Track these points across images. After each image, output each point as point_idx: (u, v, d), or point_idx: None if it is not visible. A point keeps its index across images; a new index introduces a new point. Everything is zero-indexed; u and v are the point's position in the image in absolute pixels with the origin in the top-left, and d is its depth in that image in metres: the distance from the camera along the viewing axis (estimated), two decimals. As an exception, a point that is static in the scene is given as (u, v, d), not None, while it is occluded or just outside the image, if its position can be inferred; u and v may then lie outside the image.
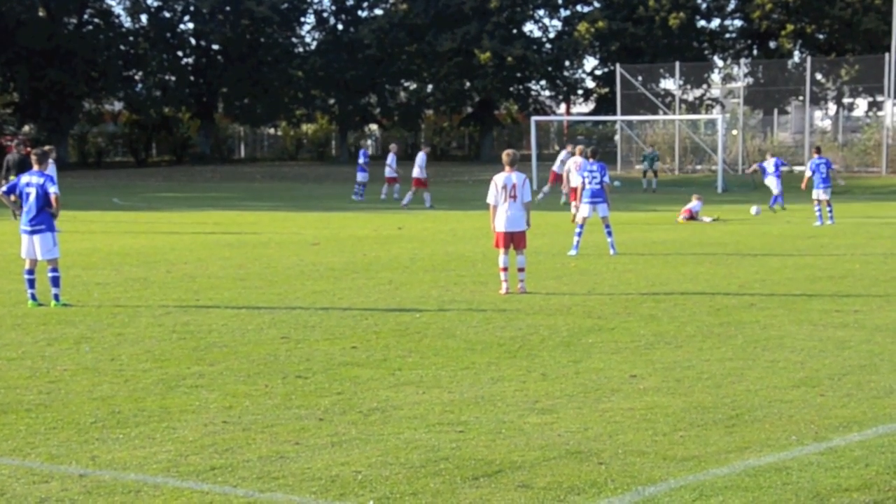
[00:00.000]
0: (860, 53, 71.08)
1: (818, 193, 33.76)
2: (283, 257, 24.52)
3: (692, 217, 35.01)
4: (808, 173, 34.61)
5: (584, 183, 25.32)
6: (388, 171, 47.87)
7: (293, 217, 38.31)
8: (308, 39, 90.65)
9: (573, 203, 31.54)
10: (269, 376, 12.33)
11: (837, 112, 76.45)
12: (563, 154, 42.70)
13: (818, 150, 36.41)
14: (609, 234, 24.90)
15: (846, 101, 77.70)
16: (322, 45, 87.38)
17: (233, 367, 12.86)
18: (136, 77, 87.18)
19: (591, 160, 25.61)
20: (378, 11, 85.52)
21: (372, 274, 21.47)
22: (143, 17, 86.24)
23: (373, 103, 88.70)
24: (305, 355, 13.50)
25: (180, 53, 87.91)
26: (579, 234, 24.87)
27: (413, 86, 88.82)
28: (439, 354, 13.54)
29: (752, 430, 10.05)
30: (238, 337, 14.75)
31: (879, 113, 67.72)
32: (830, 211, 33.60)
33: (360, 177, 48.52)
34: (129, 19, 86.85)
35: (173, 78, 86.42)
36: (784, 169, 41.54)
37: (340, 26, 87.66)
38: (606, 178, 25.48)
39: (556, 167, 42.56)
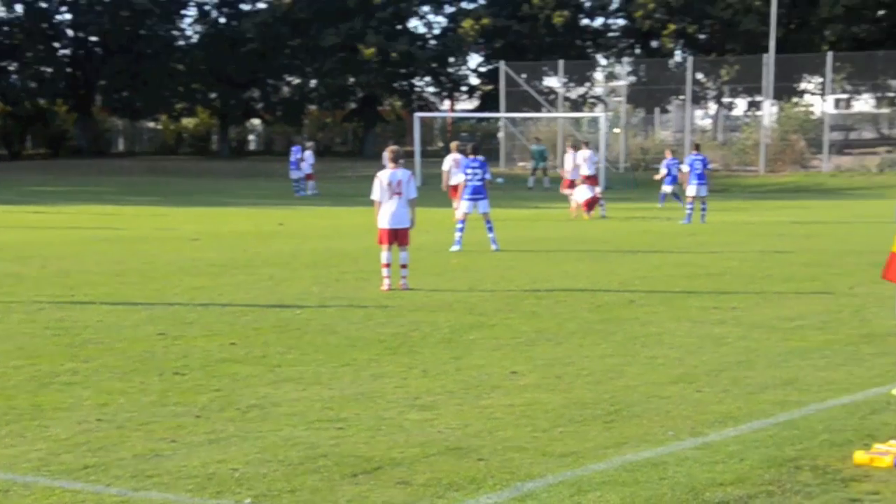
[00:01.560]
0: (740, 54, 72.21)
1: (692, 190, 34.03)
2: (162, 253, 24.22)
3: (595, 201, 35.19)
4: (685, 169, 34.93)
5: (465, 180, 25.35)
6: (307, 168, 47.91)
7: (173, 212, 37.89)
8: (189, 32, 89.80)
9: (454, 200, 31.67)
10: (146, 373, 12.14)
11: (717, 111, 77.62)
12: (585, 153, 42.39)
13: (697, 147, 36.81)
14: (490, 229, 24.99)
15: (726, 100, 78.91)
16: (204, 38, 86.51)
17: (108, 363, 12.64)
18: (11, 68, 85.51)
19: (472, 157, 25.63)
20: (261, 5, 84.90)
21: (252, 270, 21.29)
22: (19, 7, 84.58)
23: (255, 98, 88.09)
24: (183, 352, 13.32)
25: (57, 45, 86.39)
26: (461, 230, 24.93)
27: (296, 81, 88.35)
28: (320, 351, 13.44)
29: (630, 425, 10.10)
30: (114, 333, 14.51)
31: (758, 113, 68.83)
32: (704, 210, 33.90)
33: (294, 174, 48.09)
34: (3, 9, 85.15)
35: (49, 69, 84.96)
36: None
37: (222, 20, 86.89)
38: (488, 174, 25.56)
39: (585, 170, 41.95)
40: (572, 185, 40.18)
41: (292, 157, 48.51)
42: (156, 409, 10.63)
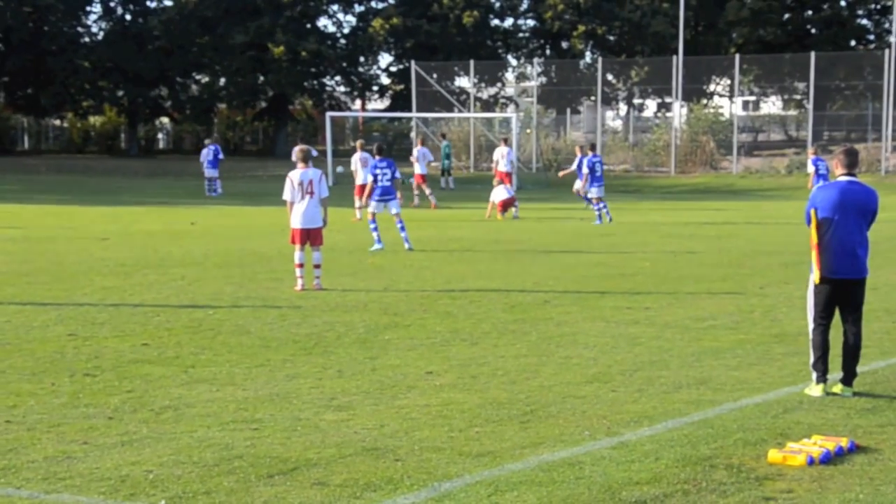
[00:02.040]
0: (649, 55, 72.84)
1: (595, 192, 33.94)
2: (71, 252, 23.89)
3: (511, 202, 35.30)
4: (585, 170, 34.62)
5: (375, 179, 25.24)
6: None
7: (81, 211, 37.41)
8: (95, 29, 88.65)
9: (358, 199, 31.70)
10: (56, 374, 11.96)
11: (628, 112, 78.21)
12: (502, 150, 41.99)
13: (593, 147, 36.67)
14: (402, 229, 24.96)
15: (636, 101, 79.56)
16: (110, 35, 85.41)
17: (17, 364, 12.44)
18: None
19: (379, 157, 25.51)
20: (167, 2, 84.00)
21: (164, 270, 21.08)
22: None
23: (164, 96, 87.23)
24: (94, 353, 13.14)
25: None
26: (375, 229, 24.86)
27: (205, 79, 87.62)
28: (233, 352, 13.33)
29: (546, 425, 10.12)
30: (23, 334, 14.28)
31: (668, 114, 69.45)
32: (606, 209, 33.83)
33: (209, 172, 47.59)
34: None
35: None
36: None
37: (128, 17, 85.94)
38: (398, 174, 25.51)
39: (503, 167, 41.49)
40: (423, 179, 40.72)
41: (210, 156, 47.94)
42: (67, 410, 10.47)
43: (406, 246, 24.73)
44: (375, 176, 25.16)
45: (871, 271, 11.65)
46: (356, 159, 34.43)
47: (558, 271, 21.41)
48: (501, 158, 41.47)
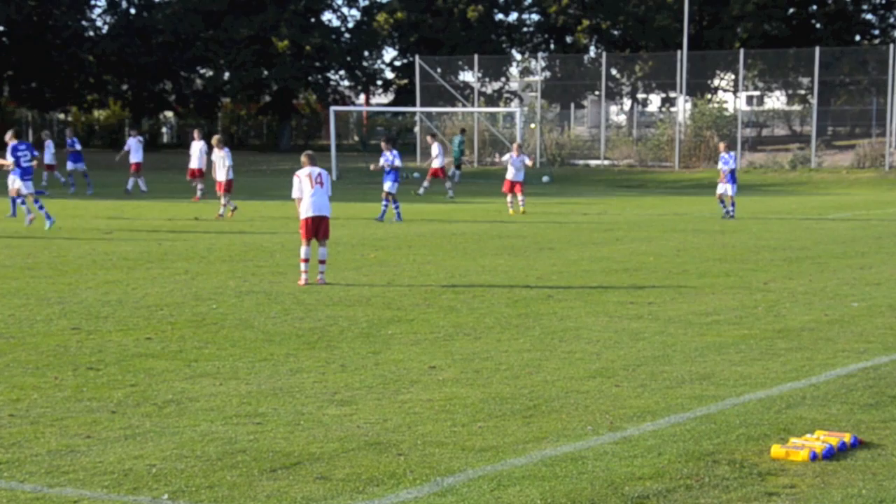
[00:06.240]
0: (653, 50, 72.77)
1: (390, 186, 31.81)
2: (74, 246, 23.91)
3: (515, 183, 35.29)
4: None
5: (17, 162, 28.02)
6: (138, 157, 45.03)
7: (84, 205, 37.41)
8: (99, 23, 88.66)
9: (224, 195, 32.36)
10: (60, 368, 11.97)
11: (632, 107, 78.20)
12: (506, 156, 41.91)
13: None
14: (25, 204, 28.28)
15: (640, 96, 79.53)
16: (114, 29, 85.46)
17: (20, 358, 12.45)
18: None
19: (18, 141, 28.51)
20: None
21: (167, 264, 21.09)
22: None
23: (168, 90, 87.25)
24: (97, 346, 13.15)
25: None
26: (41, 207, 27.81)
27: (209, 73, 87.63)
28: (237, 346, 13.34)
29: (549, 420, 10.13)
30: (26, 328, 14.29)
31: (672, 109, 69.39)
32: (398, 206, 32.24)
33: (71, 166, 45.00)
34: None
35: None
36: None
37: (133, 10, 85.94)
38: (36, 153, 28.96)
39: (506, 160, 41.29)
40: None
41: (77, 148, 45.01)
42: (70, 404, 10.49)
43: (27, 221, 27.62)
44: (18, 158, 27.87)
45: (874, 267, 11.66)
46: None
47: (561, 266, 21.41)
48: (439, 153, 41.18)
